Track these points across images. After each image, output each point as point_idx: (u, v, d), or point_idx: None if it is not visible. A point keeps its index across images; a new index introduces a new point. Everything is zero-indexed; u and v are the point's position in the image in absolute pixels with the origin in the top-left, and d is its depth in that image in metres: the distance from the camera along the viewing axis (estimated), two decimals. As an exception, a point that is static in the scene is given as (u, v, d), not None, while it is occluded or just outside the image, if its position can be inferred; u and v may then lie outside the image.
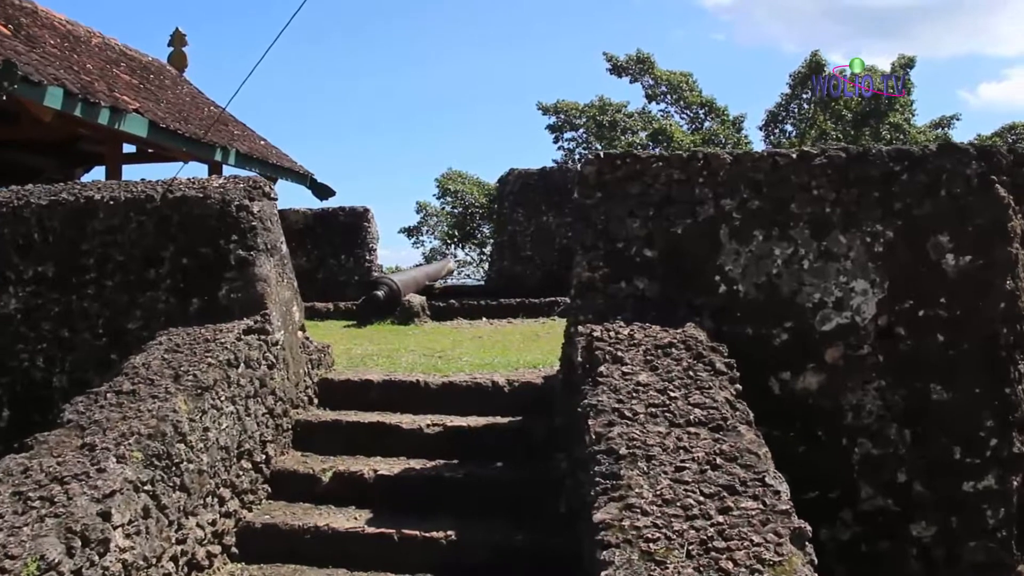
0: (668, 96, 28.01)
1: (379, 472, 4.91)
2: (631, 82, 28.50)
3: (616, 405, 3.78)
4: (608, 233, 4.98)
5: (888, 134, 25.15)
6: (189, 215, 5.38)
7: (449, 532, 4.44)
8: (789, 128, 26.68)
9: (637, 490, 3.19)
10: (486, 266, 30.88)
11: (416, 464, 5.03)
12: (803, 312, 4.80)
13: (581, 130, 30.11)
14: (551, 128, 30.30)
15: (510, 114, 57.98)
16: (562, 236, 12.53)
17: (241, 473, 4.71)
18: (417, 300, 11.34)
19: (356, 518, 4.67)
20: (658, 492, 3.18)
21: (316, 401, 5.80)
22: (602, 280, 4.93)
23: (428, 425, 5.28)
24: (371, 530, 4.54)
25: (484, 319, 11.69)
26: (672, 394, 3.89)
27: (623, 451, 3.42)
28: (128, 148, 12.02)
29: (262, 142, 13.46)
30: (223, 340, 4.81)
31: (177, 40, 14.28)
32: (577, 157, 28.10)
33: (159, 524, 3.80)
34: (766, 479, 3.23)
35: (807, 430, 4.73)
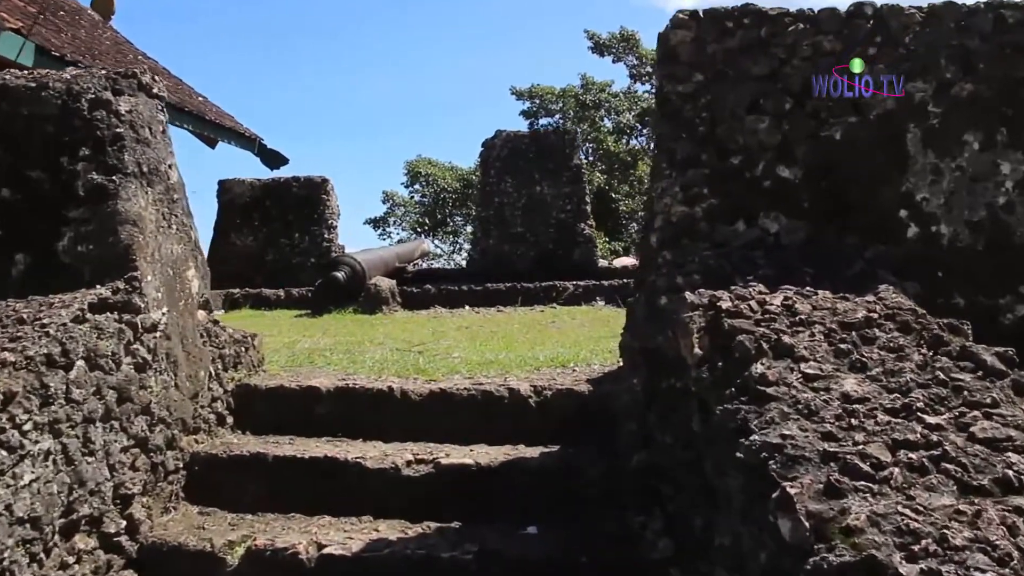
0: (655, 77, 26.10)
1: (326, 548, 2.84)
2: (614, 61, 26.57)
3: (828, 446, 1.76)
4: (716, 139, 2.96)
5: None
6: (14, 117, 3.25)
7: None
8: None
9: None
10: (458, 257, 28.83)
11: (389, 531, 2.97)
12: (1052, 270, 2.83)
13: (557, 116, 28.10)
14: (525, 114, 28.19)
15: (481, 104, 55.77)
16: (559, 209, 10.50)
17: (73, 559, 2.61)
18: (386, 284, 9.25)
19: (282, 641, 2.60)
20: None
21: (230, 421, 3.71)
22: (707, 217, 2.91)
23: (409, 462, 3.21)
24: (309, 664, 2.47)
25: (467, 307, 9.63)
26: (927, 419, 1.87)
27: (900, 564, 1.40)
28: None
29: (199, 98, 11.23)
30: (48, 321, 2.70)
31: (99, -20, 11.96)
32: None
33: None
34: None
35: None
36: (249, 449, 3.42)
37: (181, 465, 3.26)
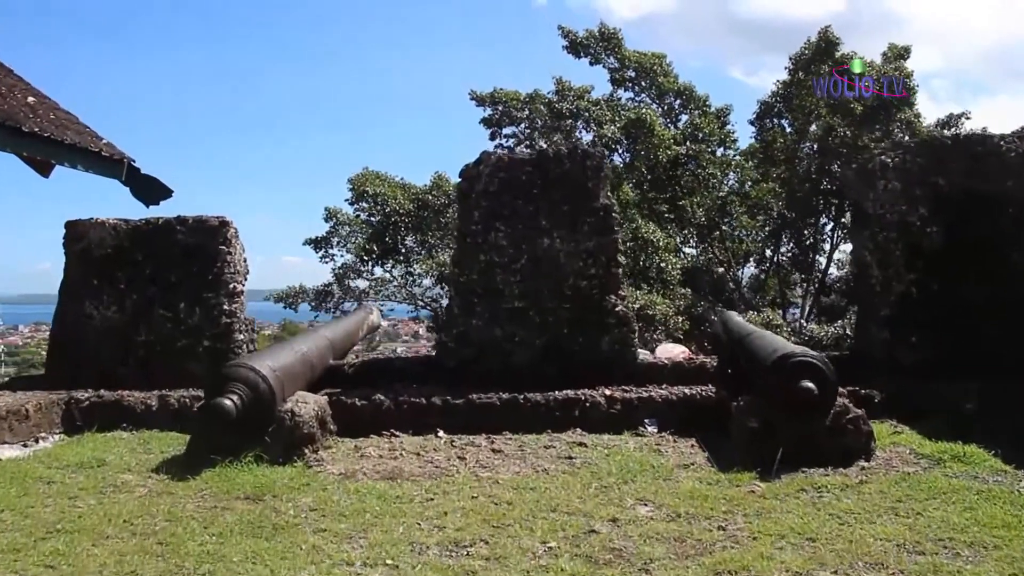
0: (639, 82, 22.75)
1: None
2: (591, 64, 23.15)
3: None
4: None
5: (900, 131, 20.89)
6: None
7: None
8: (787, 124, 21.68)
9: None
10: (412, 287, 25.12)
11: None
12: None
13: (523, 124, 24.56)
14: (486, 122, 24.54)
15: (436, 111, 52.14)
16: (579, 274, 6.96)
17: None
18: (310, 408, 5.63)
19: None
20: None
21: None
22: None
23: None
24: None
25: (443, 435, 6.07)
26: None
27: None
28: None
29: (29, 99, 7.45)
30: None
31: None
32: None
33: None
34: None
35: None
36: None
37: None
